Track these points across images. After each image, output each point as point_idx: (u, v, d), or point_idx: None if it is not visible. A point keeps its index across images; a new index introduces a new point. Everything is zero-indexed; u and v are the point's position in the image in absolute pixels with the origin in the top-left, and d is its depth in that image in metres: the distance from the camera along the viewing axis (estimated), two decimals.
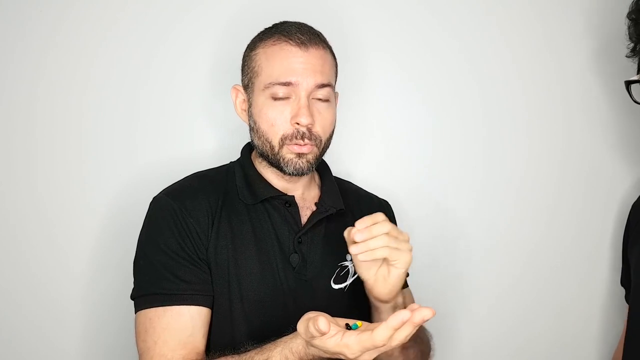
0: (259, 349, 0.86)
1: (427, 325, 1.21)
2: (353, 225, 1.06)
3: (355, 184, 1.17)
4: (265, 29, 1.01)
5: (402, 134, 1.34)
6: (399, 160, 1.34)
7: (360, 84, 1.30)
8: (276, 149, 0.96)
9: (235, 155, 1.08)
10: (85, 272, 1.19)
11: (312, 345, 0.79)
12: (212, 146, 1.24)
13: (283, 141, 0.95)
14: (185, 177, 1.03)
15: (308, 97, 0.95)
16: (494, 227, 1.38)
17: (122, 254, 1.19)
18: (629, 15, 0.99)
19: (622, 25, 1.23)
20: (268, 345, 0.85)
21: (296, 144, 0.95)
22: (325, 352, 0.78)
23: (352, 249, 0.86)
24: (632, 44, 0.99)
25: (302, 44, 0.96)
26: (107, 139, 1.19)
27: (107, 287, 1.20)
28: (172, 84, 1.21)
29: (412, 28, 1.32)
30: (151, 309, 0.92)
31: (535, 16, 1.36)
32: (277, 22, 1.01)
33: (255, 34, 1.02)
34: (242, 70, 1.02)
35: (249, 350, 0.87)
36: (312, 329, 0.74)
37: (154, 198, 0.99)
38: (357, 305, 1.00)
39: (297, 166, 0.96)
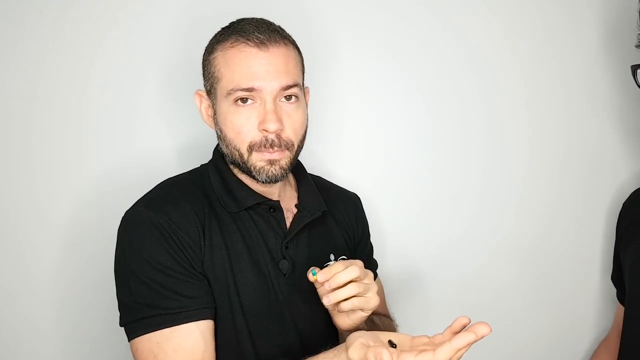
0: None
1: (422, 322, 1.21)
2: (334, 222, 1.06)
3: (326, 178, 1.15)
4: (222, 28, 0.96)
5: (402, 133, 1.34)
6: (400, 161, 1.34)
7: (360, 84, 1.30)
8: (245, 156, 0.92)
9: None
10: (85, 272, 1.19)
11: None
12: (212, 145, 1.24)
13: (252, 148, 0.91)
14: (159, 186, 0.98)
15: (274, 100, 0.91)
16: (495, 227, 1.38)
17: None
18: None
19: (623, 23, 1.23)
20: None
21: (266, 152, 0.91)
22: None
23: (323, 300, 0.86)
24: None
25: (261, 43, 0.90)
26: (107, 139, 1.19)
27: (107, 287, 1.20)
28: (173, 83, 1.21)
29: (411, 27, 1.32)
30: (156, 332, 0.86)
31: (537, 14, 1.36)
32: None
33: None
34: (204, 75, 0.97)
35: None
36: (371, 359, 0.71)
37: (128, 213, 0.93)
38: None
39: (270, 174, 0.92)
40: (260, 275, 0.94)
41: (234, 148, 0.93)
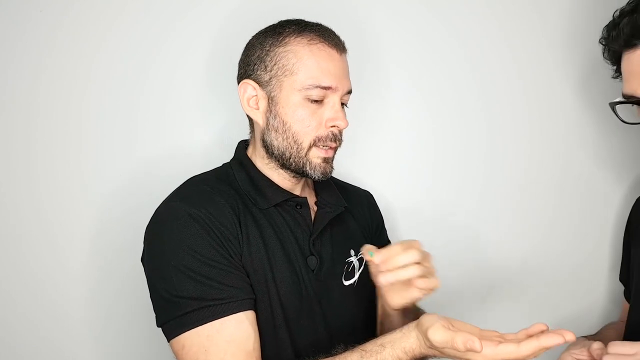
0: (358, 352, 0.82)
1: None
2: (353, 219, 1.07)
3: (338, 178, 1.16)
4: (285, 24, 0.96)
5: (402, 135, 1.34)
6: (400, 162, 1.35)
7: (360, 84, 1.30)
8: (304, 151, 0.94)
9: (229, 152, 1.06)
10: (85, 271, 1.19)
11: (436, 349, 0.77)
12: (212, 144, 1.24)
13: (314, 143, 0.94)
14: (187, 183, 0.97)
15: (340, 101, 0.96)
16: (495, 228, 1.38)
17: (122, 253, 1.19)
18: (600, 41, 0.99)
19: None
20: (369, 347, 0.82)
21: (326, 146, 0.95)
22: (452, 356, 0.77)
23: (379, 278, 0.85)
24: (614, 67, 0.99)
25: (336, 46, 0.95)
26: (107, 139, 1.19)
27: (107, 286, 1.20)
28: (172, 83, 1.21)
29: (413, 26, 1.32)
30: (206, 325, 0.84)
31: (537, 16, 1.36)
32: (284, 19, 0.99)
33: (254, 30, 1.00)
34: (259, 65, 0.95)
35: (343, 355, 0.84)
36: (459, 345, 0.73)
37: (162, 209, 0.92)
38: (366, 297, 1.01)
39: (324, 170, 0.96)
40: (293, 270, 0.95)
41: (294, 141, 0.94)
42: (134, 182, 1.20)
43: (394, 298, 0.90)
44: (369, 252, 0.86)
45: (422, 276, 0.85)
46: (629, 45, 0.91)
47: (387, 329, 0.97)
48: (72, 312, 1.19)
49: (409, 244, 0.86)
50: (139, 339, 1.22)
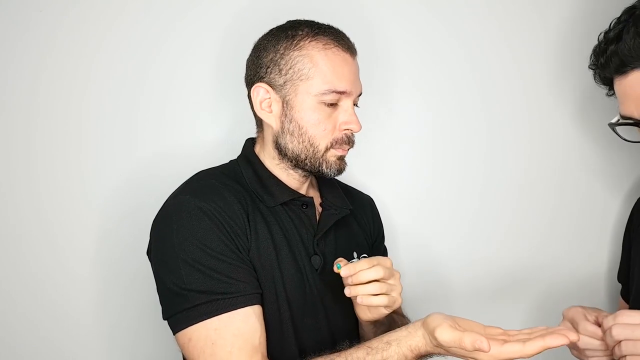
0: (364, 349, 0.83)
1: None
2: (355, 222, 1.08)
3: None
4: (297, 26, 0.95)
5: (402, 135, 1.34)
6: (400, 162, 1.35)
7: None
8: (321, 152, 0.95)
9: (234, 150, 1.07)
10: (85, 271, 1.19)
11: (442, 348, 0.79)
12: (214, 143, 1.24)
13: (331, 145, 0.95)
14: (195, 178, 0.97)
15: (352, 104, 0.97)
16: (495, 228, 1.38)
17: (122, 253, 1.19)
18: (590, 67, 0.98)
19: None
20: (375, 344, 0.83)
21: (341, 148, 0.97)
22: (459, 355, 0.78)
23: (345, 290, 0.88)
24: (606, 87, 0.99)
25: (349, 49, 0.96)
26: (107, 139, 1.19)
27: (107, 286, 1.20)
28: (173, 82, 1.21)
29: (413, 26, 1.32)
30: (213, 318, 0.84)
31: (537, 17, 1.36)
32: (290, 19, 0.98)
33: (256, 30, 0.99)
34: (273, 68, 0.95)
35: (349, 352, 0.84)
36: (467, 345, 0.74)
37: (171, 202, 0.92)
38: None
39: (339, 167, 0.98)
40: (298, 268, 0.95)
41: (310, 144, 0.95)
42: (134, 182, 1.20)
43: (362, 311, 0.94)
44: (337, 264, 0.89)
45: (383, 294, 0.87)
46: (620, 72, 0.90)
47: (364, 337, 0.99)
48: (72, 312, 1.19)
49: (377, 261, 0.88)
50: (139, 339, 1.22)
